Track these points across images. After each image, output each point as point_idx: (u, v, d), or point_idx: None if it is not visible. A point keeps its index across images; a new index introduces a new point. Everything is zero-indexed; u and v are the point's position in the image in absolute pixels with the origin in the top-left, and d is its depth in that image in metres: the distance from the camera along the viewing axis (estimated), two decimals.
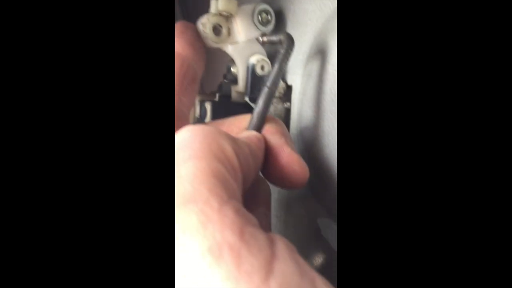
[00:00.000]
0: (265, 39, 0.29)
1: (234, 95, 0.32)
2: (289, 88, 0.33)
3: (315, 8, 0.30)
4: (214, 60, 0.42)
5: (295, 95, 0.32)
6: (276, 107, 0.33)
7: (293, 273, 0.14)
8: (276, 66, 0.24)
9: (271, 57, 0.32)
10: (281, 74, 0.25)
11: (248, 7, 0.29)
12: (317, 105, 0.29)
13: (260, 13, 0.30)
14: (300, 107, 0.31)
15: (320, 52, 0.29)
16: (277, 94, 0.32)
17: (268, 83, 0.24)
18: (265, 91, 0.24)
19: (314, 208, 0.32)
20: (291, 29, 0.32)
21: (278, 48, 0.26)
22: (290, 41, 0.25)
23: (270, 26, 0.30)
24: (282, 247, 0.15)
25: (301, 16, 0.31)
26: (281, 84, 0.32)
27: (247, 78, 0.31)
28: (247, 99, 0.31)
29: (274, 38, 0.28)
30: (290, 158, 0.23)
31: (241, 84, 0.31)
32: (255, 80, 0.31)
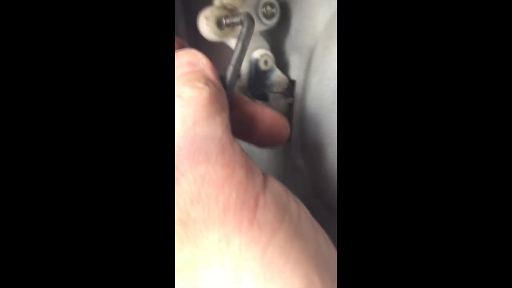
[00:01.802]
0: (227, 21, 0.28)
1: (236, 89, 0.32)
2: (292, 83, 0.32)
3: (322, 1, 0.29)
4: (217, 54, 0.42)
5: (299, 91, 0.32)
6: (278, 102, 0.32)
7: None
8: (239, 44, 0.24)
9: (275, 52, 0.32)
10: (245, 52, 0.24)
11: (252, 0, 0.29)
12: (321, 103, 0.28)
13: (265, 6, 0.29)
14: (303, 103, 0.31)
15: (326, 48, 0.28)
16: (280, 89, 0.32)
17: (233, 61, 0.24)
18: (229, 69, 0.24)
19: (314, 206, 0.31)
20: (296, 22, 0.31)
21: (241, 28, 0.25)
22: (250, 20, 0.24)
23: (275, 20, 0.30)
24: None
25: (307, 9, 0.30)
26: (284, 79, 0.32)
27: (250, 73, 0.30)
28: (249, 94, 0.31)
29: (235, 19, 0.27)
30: (273, 115, 0.24)
31: (244, 79, 0.30)
32: (258, 75, 0.30)
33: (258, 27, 0.29)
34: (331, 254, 0.18)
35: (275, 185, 0.18)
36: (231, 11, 0.28)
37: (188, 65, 0.21)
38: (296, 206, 0.18)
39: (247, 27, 0.24)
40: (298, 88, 0.32)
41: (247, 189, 0.17)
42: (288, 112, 0.33)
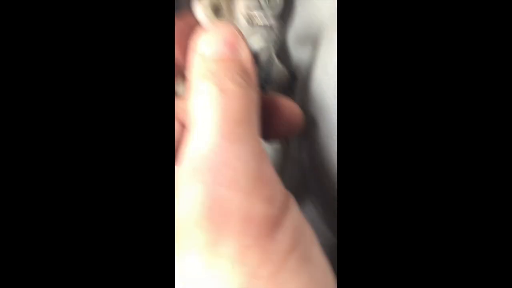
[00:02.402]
0: (256, 21, 0.27)
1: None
2: (292, 77, 0.31)
3: None
4: None
5: (300, 84, 0.31)
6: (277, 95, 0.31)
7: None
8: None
9: (277, 44, 0.30)
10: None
11: None
12: (320, 101, 0.27)
13: None
14: (303, 98, 0.30)
15: (330, 40, 0.27)
16: (280, 82, 0.31)
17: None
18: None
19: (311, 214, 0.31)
20: (300, 12, 0.30)
21: None
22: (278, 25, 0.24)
23: (278, 10, 0.28)
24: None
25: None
26: (285, 72, 0.30)
27: None
28: None
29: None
30: (289, 104, 0.24)
31: None
32: (258, 68, 0.29)
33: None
34: (332, 282, 0.17)
35: (295, 206, 0.18)
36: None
37: (226, 45, 0.19)
38: (310, 231, 0.17)
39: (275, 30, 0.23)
40: (299, 82, 0.31)
41: (274, 205, 0.16)
42: None
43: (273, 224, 0.16)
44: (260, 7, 0.27)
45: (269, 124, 0.22)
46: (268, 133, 0.23)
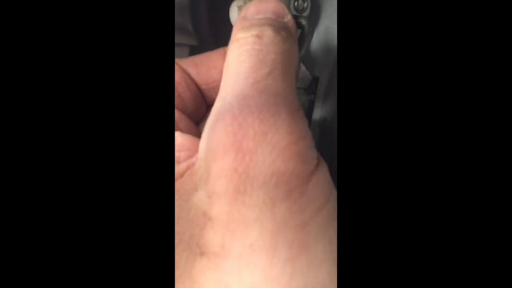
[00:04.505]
0: None
1: None
2: (315, 80, 0.32)
3: None
4: None
5: (322, 88, 0.31)
6: (299, 98, 0.32)
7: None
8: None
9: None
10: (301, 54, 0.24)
11: None
12: None
13: None
14: (325, 102, 0.30)
15: None
16: (302, 85, 0.31)
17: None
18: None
19: None
20: (325, 18, 0.31)
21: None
22: (311, 27, 0.24)
23: (305, 14, 0.29)
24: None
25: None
26: (308, 75, 0.31)
27: None
28: None
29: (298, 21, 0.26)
30: None
31: None
32: None
33: None
34: None
35: (325, 165, 0.17)
36: None
37: (273, 13, 0.19)
38: (336, 192, 0.17)
39: (307, 32, 0.24)
40: (321, 86, 0.31)
41: (305, 161, 0.16)
42: (309, 108, 0.32)
43: (304, 180, 0.15)
44: (294, 9, 0.28)
45: None
46: None
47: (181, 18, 0.32)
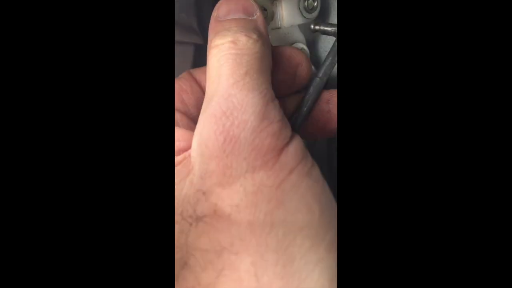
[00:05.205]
0: (317, 27, 0.27)
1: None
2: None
3: None
4: None
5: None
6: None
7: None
8: (329, 57, 0.23)
9: (311, 46, 0.31)
10: (333, 66, 0.24)
11: None
12: None
13: None
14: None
15: None
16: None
17: (320, 74, 0.23)
18: (316, 81, 0.23)
19: None
20: (334, 18, 0.30)
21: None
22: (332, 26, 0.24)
23: (315, 13, 0.28)
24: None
25: None
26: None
27: None
28: None
29: (329, 28, 0.26)
30: (289, 48, 0.25)
31: None
32: None
33: (297, 20, 0.28)
34: (332, 202, 0.20)
35: (299, 140, 0.21)
36: (272, 1, 0.26)
37: (244, 11, 0.22)
38: (310, 159, 0.21)
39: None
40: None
41: (279, 138, 0.20)
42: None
43: (278, 152, 0.19)
44: (299, 11, 0.28)
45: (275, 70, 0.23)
46: (277, 80, 0.24)
47: (185, 16, 0.31)
